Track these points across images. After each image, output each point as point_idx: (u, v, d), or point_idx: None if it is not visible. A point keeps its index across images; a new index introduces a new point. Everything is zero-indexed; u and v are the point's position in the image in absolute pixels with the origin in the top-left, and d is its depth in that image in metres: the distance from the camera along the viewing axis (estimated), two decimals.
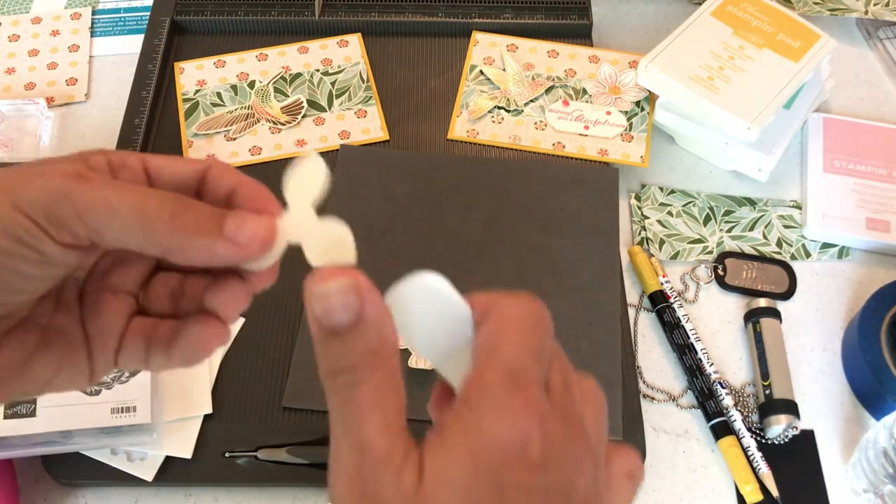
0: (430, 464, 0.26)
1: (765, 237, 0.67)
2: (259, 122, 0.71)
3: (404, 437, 0.27)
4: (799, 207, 0.69)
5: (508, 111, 0.72)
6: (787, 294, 0.65)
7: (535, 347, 0.28)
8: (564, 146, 0.70)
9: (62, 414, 0.53)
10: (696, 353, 0.61)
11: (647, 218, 0.68)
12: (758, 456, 0.56)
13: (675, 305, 0.63)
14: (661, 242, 0.67)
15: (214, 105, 0.72)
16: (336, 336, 0.27)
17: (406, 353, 0.58)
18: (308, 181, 0.30)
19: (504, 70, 0.74)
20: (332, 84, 0.73)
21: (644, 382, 0.61)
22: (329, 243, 0.29)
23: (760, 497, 0.55)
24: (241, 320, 0.60)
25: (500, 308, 0.28)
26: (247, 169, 0.68)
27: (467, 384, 0.27)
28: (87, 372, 0.32)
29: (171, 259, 0.29)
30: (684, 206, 0.69)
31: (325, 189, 0.30)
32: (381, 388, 0.27)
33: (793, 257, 0.66)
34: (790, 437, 0.58)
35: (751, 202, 0.69)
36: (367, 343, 0.27)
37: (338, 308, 0.26)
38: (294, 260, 0.32)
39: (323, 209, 0.31)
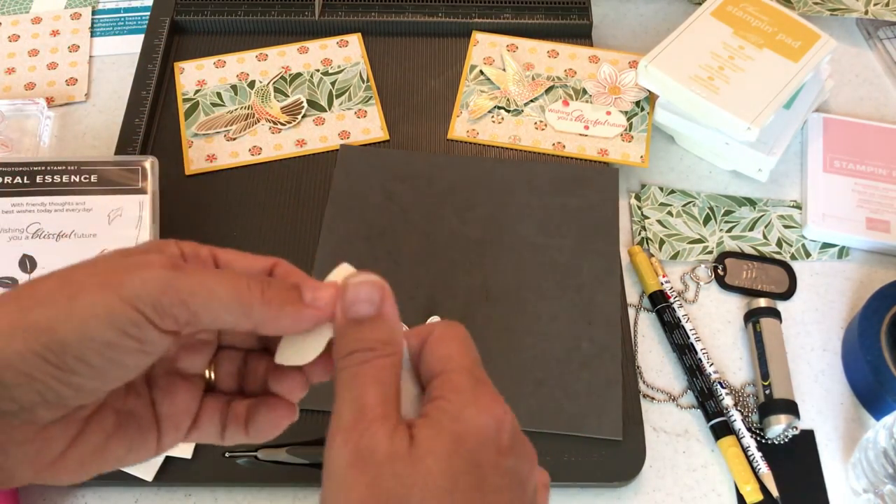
0: (419, 435, 0.29)
1: (765, 237, 0.67)
2: (259, 122, 0.71)
3: (399, 413, 0.30)
4: (799, 207, 0.69)
5: (508, 111, 0.72)
6: (787, 294, 0.65)
7: (475, 356, 0.32)
8: (564, 146, 0.70)
9: None
10: (696, 353, 0.61)
11: (647, 218, 0.68)
12: (758, 456, 0.56)
13: (675, 305, 0.63)
14: (661, 242, 0.67)
15: (214, 105, 0.72)
16: (356, 324, 0.31)
17: None
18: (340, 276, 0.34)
19: (504, 70, 0.74)
20: (332, 84, 0.74)
21: (644, 382, 0.61)
22: None
23: (760, 497, 0.55)
24: None
25: (436, 331, 0.33)
26: (247, 169, 0.68)
27: (437, 385, 0.31)
28: (155, 447, 0.34)
29: (261, 331, 0.32)
30: (684, 206, 0.69)
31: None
32: (386, 370, 0.31)
33: (793, 257, 0.66)
34: (790, 437, 0.58)
35: (751, 202, 0.69)
36: (381, 334, 0.31)
37: (363, 300, 0.31)
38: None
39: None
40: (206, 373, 0.35)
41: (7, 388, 0.29)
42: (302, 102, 0.72)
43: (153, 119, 0.71)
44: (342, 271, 0.34)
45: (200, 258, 0.33)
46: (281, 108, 0.72)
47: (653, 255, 0.66)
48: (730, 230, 0.67)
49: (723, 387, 0.59)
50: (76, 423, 0.31)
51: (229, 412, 0.35)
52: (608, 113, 0.71)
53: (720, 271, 0.65)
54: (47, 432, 0.31)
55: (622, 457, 0.56)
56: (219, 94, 0.73)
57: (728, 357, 0.62)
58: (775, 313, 0.62)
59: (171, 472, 0.54)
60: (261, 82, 0.73)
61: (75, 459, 0.31)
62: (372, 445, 0.29)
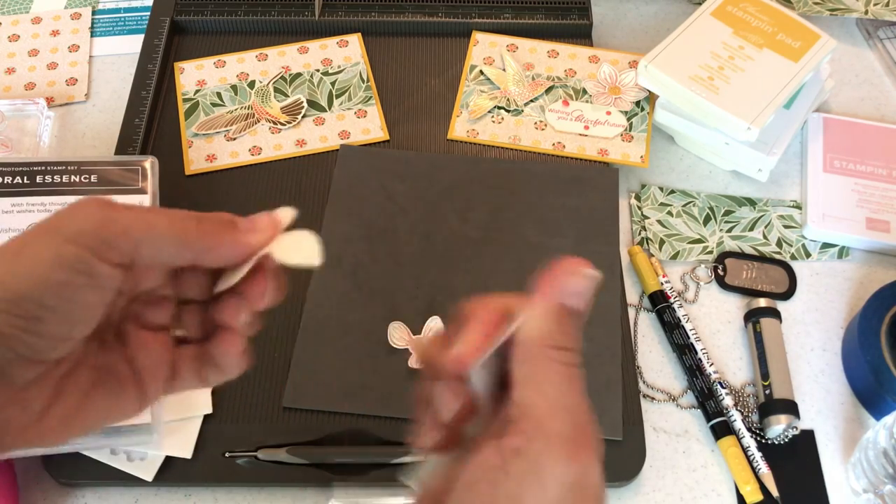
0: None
1: (765, 237, 0.67)
2: (259, 122, 0.71)
3: None
4: (799, 207, 0.69)
5: (508, 111, 0.72)
6: (787, 294, 0.65)
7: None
8: (564, 146, 0.70)
9: None
10: (696, 353, 0.61)
11: (647, 218, 0.68)
12: (758, 456, 0.56)
13: (675, 305, 0.63)
14: (661, 242, 0.67)
15: (214, 105, 0.72)
16: (570, 316, 0.31)
17: (406, 353, 0.58)
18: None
19: (504, 70, 0.74)
20: (332, 84, 0.73)
21: (644, 382, 0.61)
22: (297, 244, 0.35)
23: (760, 497, 0.55)
24: None
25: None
26: (247, 169, 0.68)
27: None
28: (138, 400, 0.35)
29: (202, 262, 0.34)
30: (684, 206, 0.69)
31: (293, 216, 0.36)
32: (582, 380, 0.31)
33: (793, 257, 0.66)
34: (790, 437, 0.58)
35: (751, 202, 0.69)
36: (580, 334, 0.31)
37: (581, 293, 0.31)
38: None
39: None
40: (172, 325, 0.37)
41: None
42: (302, 102, 0.72)
43: (153, 119, 0.71)
44: (286, 212, 0.35)
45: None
46: (281, 108, 0.72)
47: (653, 255, 0.66)
48: (730, 230, 0.67)
49: (723, 387, 0.59)
50: (53, 381, 0.32)
51: (202, 357, 0.36)
52: (608, 113, 0.71)
53: (720, 271, 0.65)
54: (25, 392, 0.31)
55: (622, 457, 0.56)
56: (219, 94, 0.73)
57: (728, 357, 0.62)
58: (775, 313, 0.62)
59: (171, 472, 0.54)
60: (261, 82, 0.73)
61: (57, 418, 0.32)
62: (593, 480, 0.29)
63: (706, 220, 0.68)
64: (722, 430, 0.57)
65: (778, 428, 0.57)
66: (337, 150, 0.69)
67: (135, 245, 0.32)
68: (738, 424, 0.57)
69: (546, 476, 0.29)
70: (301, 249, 0.35)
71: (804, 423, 0.59)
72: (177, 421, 0.56)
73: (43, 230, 0.31)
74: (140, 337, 0.35)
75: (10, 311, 0.30)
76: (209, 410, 0.56)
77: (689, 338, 0.61)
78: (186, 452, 0.55)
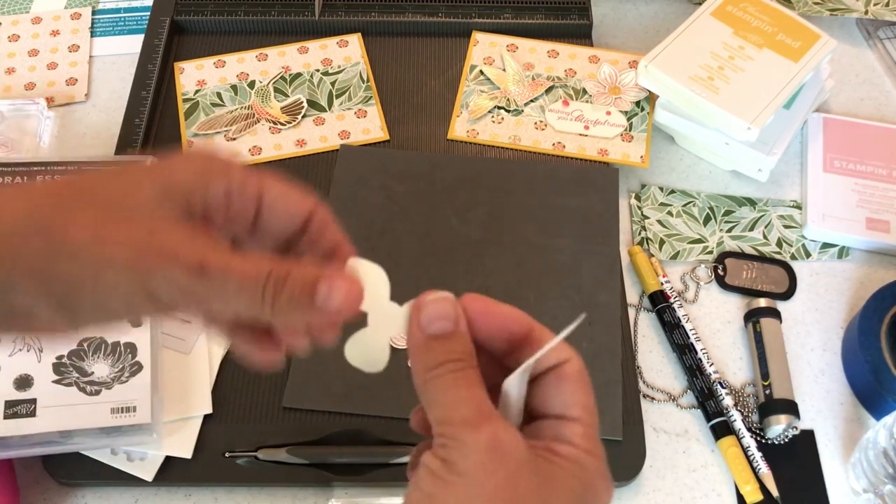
0: (554, 468, 0.31)
1: (765, 237, 0.67)
2: (259, 122, 0.71)
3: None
4: (799, 207, 0.69)
5: (508, 111, 0.72)
6: (787, 294, 0.65)
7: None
8: (564, 146, 0.70)
9: (62, 414, 0.53)
10: (696, 353, 0.61)
11: (647, 218, 0.68)
12: (758, 456, 0.56)
13: (675, 305, 0.63)
14: (661, 242, 0.67)
15: (214, 105, 0.72)
16: (436, 340, 0.32)
17: (406, 353, 0.58)
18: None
19: (504, 70, 0.74)
20: (332, 84, 0.74)
21: (644, 382, 0.61)
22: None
23: (760, 497, 0.55)
24: None
25: (573, 368, 0.33)
26: None
27: (574, 433, 0.32)
28: None
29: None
30: (684, 206, 0.69)
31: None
32: (479, 379, 0.32)
33: (793, 257, 0.66)
34: (790, 437, 0.58)
35: (751, 202, 0.69)
36: (464, 346, 0.32)
37: (440, 317, 0.32)
38: None
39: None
40: None
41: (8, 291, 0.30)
42: (302, 102, 0.72)
43: (153, 119, 0.71)
44: (365, 267, 0.34)
45: (245, 195, 0.34)
46: (281, 108, 0.72)
47: (653, 255, 0.66)
48: (730, 230, 0.67)
49: (723, 387, 0.59)
50: None
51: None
52: (608, 113, 0.71)
53: (720, 271, 0.65)
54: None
55: (622, 457, 0.56)
56: (219, 94, 0.73)
57: (728, 357, 0.62)
58: (775, 313, 0.62)
59: (171, 472, 0.54)
60: (261, 82, 0.73)
61: None
62: (510, 440, 0.30)
63: (706, 220, 0.68)
64: (722, 430, 0.57)
65: (778, 428, 0.57)
66: (337, 150, 0.69)
67: (205, 310, 0.32)
68: (738, 424, 0.57)
69: (461, 449, 0.30)
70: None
71: (804, 423, 0.59)
72: (177, 421, 0.56)
73: (132, 264, 0.30)
74: None
75: (59, 304, 0.30)
76: (209, 410, 0.56)
77: (689, 338, 0.61)
78: (186, 452, 0.55)
